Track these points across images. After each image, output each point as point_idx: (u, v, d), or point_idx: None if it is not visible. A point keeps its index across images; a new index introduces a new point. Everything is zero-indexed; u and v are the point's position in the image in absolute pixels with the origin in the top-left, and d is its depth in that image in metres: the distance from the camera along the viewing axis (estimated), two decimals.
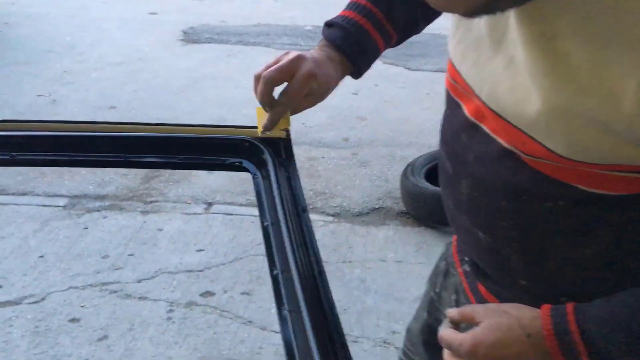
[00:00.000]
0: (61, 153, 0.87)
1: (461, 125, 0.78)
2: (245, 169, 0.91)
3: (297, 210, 0.90)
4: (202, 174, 3.75)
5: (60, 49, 5.99)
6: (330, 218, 3.25)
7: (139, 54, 5.95)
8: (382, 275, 2.77)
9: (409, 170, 3.32)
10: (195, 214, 3.26)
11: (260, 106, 0.96)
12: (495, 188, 0.73)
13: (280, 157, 0.95)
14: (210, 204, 3.36)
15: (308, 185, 3.56)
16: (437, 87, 5.26)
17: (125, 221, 3.16)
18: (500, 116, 0.68)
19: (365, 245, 3.01)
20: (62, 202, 3.32)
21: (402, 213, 3.30)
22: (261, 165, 0.91)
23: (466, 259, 0.98)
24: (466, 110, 0.77)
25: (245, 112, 4.48)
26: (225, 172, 3.90)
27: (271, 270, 0.81)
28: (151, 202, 3.36)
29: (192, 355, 2.22)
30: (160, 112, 4.58)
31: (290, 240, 0.83)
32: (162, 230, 3.08)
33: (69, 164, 0.90)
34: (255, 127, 0.99)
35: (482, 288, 0.90)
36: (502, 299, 0.83)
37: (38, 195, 3.38)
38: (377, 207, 3.36)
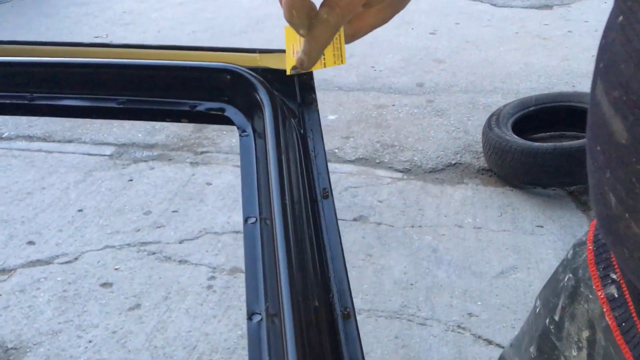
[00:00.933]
0: None
1: None
2: (227, 120, 0.53)
3: (314, 195, 0.52)
4: None
5: None
6: (399, 174, 2.84)
7: None
8: (458, 244, 2.36)
9: (494, 120, 2.84)
10: None
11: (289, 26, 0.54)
12: None
13: (292, 101, 0.56)
14: None
15: (375, 136, 3.15)
16: (528, 25, 4.63)
17: (173, 173, 2.88)
18: None
19: (438, 207, 2.59)
20: (108, 150, 3.09)
21: (484, 170, 2.84)
22: (255, 114, 0.53)
23: (614, 277, 0.57)
24: None
25: None
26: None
27: (249, 313, 0.44)
28: (202, 152, 3.07)
29: (232, 332, 1.93)
30: None
31: (289, 254, 0.44)
32: (210, 184, 2.78)
33: None
34: (271, 51, 0.61)
35: None
36: None
37: (85, 142, 3.16)
38: (453, 162, 2.92)
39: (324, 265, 0.47)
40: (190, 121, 0.56)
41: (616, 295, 0.56)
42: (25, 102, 0.54)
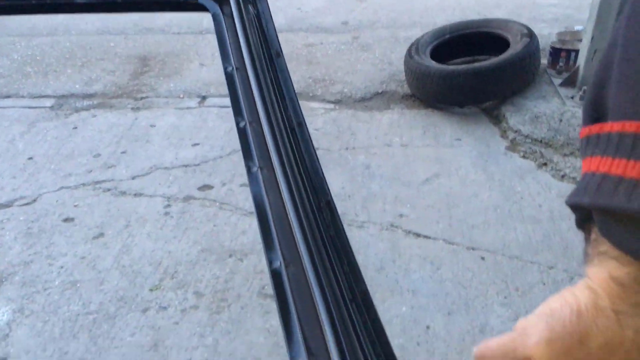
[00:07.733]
0: None
1: None
2: (202, 7, 0.73)
3: (270, 54, 0.73)
4: (193, 67, 3.55)
5: None
6: (331, 105, 3.08)
7: None
8: (387, 160, 2.64)
9: (413, 49, 3.10)
10: (189, 108, 3.09)
11: None
12: None
13: None
14: (204, 98, 3.19)
15: (307, 72, 3.36)
16: None
17: (116, 119, 3.01)
18: None
19: (369, 131, 2.86)
20: (48, 102, 3.16)
21: (407, 96, 3.12)
22: (222, 1, 0.73)
23: None
24: None
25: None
26: (211, 59, 3.65)
27: (237, 121, 0.66)
28: (142, 98, 3.19)
29: (192, 248, 2.14)
30: None
31: (260, 88, 0.67)
32: (154, 126, 2.93)
33: None
34: None
35: None
36: None
37: (23, 97, 3.21)
38: (380, 91, 3.18)
39: (281, 92, 0.69)
40: (172, 10, 0.76)
41: None
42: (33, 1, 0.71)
